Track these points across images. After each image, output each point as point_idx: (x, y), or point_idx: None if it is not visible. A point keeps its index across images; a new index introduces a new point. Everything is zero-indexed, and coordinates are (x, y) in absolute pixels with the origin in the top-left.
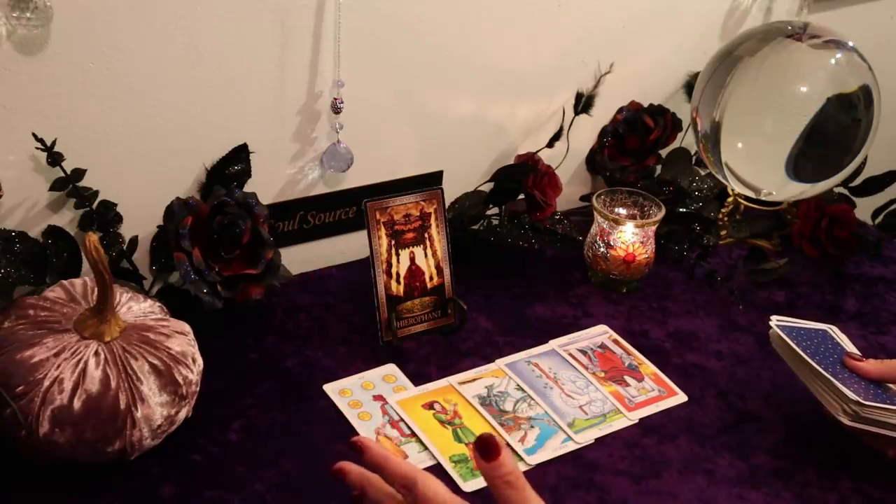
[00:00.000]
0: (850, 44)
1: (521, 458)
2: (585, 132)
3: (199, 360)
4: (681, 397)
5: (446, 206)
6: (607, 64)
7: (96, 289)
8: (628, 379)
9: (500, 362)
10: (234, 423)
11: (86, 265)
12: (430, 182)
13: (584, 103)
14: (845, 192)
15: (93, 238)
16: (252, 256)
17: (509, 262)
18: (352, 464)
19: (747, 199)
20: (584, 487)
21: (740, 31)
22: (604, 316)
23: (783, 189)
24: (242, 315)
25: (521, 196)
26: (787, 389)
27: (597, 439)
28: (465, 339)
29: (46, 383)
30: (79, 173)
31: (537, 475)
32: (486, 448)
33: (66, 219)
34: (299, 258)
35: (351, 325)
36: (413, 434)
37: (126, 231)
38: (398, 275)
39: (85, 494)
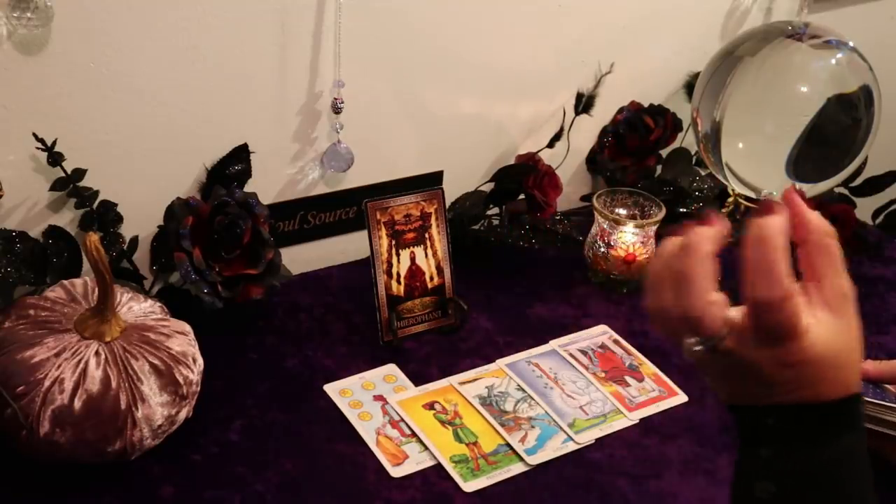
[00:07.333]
0: (851, 44)
1: (522, 458)
2: (586, 132)
3: (200, 360)
4: (681, 397)
5: (447, 206)
6: (607, 64)
7: (97, 289)
8: (629, 379)
9: (501, 362)
10: (234, 423)
11: (86, 265)
12: (430, 182)
13: (584, 103)
14: (845, 192)
15: (93, 238)
16: (252, 256)
17: (509, 262)
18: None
19: (747, 199)
20: (584, 487)
21: (740, 31)
22: (604, 316)
23: (783, 189)
24: (242, 315)
25: (522, 196)
26: None
27: (597, 439)
28: (466, 339)
29: (47, 383)
30: (79, 173)
31: (537, 475)
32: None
33: (67, 219)
34: (299, 258)
35: (351, 325)
36: (413, 434)
37: (126, 231)
38: (398, 275)
39: (85, 494)
